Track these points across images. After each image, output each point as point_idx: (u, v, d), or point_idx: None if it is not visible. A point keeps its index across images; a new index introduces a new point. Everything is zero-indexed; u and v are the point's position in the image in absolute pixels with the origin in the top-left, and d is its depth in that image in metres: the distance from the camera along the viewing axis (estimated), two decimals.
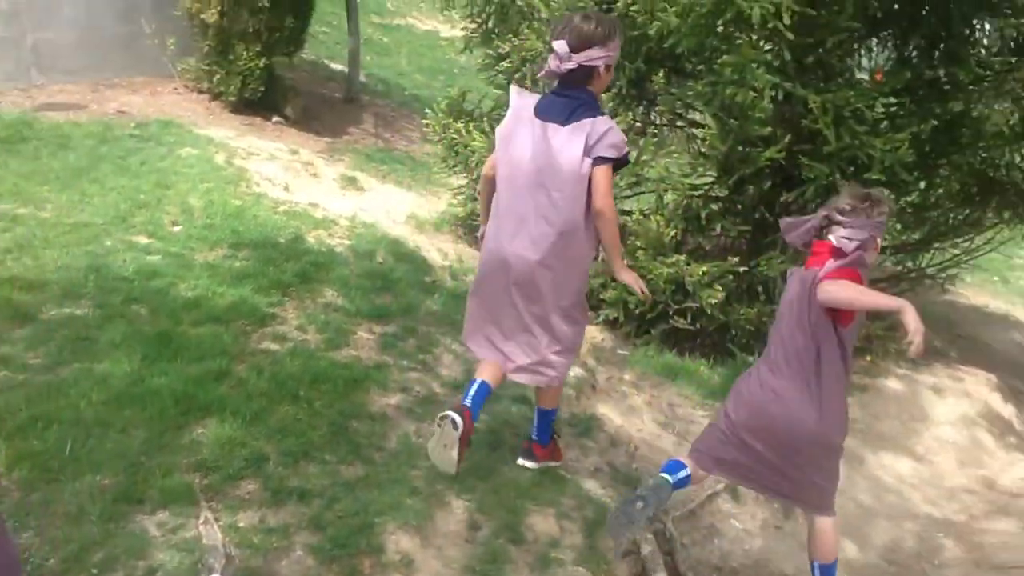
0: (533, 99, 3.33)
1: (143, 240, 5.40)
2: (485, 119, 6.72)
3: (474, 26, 7.08)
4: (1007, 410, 6.44)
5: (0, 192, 5.76)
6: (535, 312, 3.39)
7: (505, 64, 6.51)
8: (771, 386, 3.25)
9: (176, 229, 5.58)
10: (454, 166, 6.92)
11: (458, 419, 3.23)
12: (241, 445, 3.62)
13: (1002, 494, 5.52)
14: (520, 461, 3.92)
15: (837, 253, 3.10)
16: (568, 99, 3.22)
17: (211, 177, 6.48)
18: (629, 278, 3.44)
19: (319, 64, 10.75)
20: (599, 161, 3.15)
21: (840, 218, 3.14)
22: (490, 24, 6.93)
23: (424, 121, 7.21)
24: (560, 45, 3.15)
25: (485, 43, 6.93)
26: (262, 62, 8.05)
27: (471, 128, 6.57)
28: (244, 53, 7.96)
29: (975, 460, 5.87)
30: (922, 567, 4.67)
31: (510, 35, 6.47)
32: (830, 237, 3.15)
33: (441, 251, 6.49)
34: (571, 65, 3.15)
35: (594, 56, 3.16)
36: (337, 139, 8.60)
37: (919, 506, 5.25)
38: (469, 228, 7.02)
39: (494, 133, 5.63)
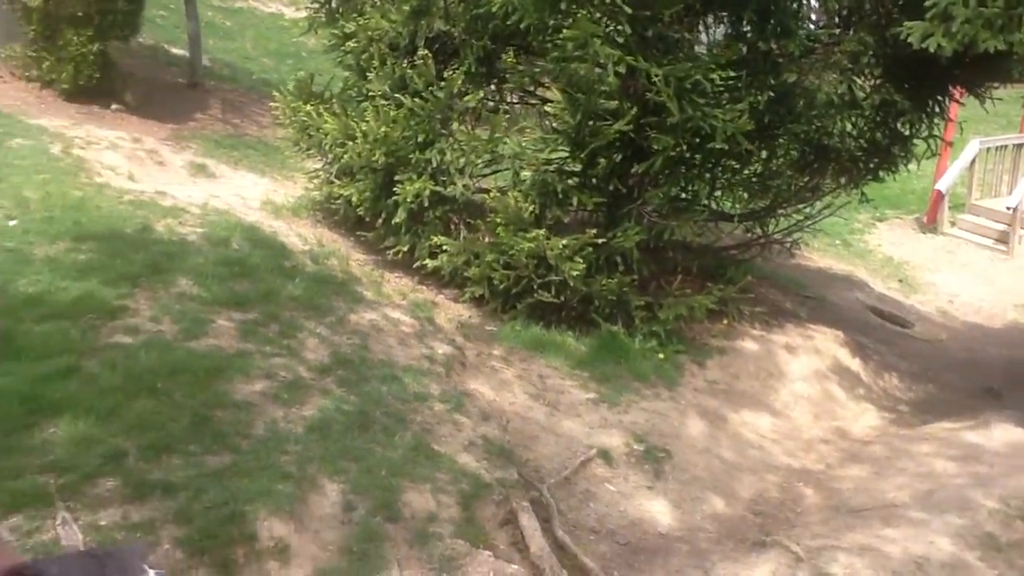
0: None
1: None
2: (334, 101, 6.56)
3: (317, 6, 6.90)
4: (854, 364, 6.83)
5: None
6: None
7: (351, 44, 6.37)
8: None
9: (12, 223, 5.21)
10: (307, 150, 6.75)
11: None
12: (97, 442, 3.43)
13: (854, 442, 5.85)
14: None
15: None
16: None
17: (47, 168, 6.10)
18: None
19: (158, 49, 10.26)
20: None
21: None
22: (333, 4, 6.77)
23: (272, 104, 7.00)
24: None
25: (330, 23, 6.75)
26: (95, 47, 7.62)
27: (321, 111, 6.41)
28: (74, 38, 7.51)
29: (828, 412, 6.21)
30: (786, 516, 4.89)
31: (355, 15, 6.34)
32: None
33: (301, 236, 6.32)
34: None
35: None
36: (182, 126, 8.24)
37: (780, 458, 5.51)
38: (328, 212, 6.87)
39: (344, 115, 5.83)
